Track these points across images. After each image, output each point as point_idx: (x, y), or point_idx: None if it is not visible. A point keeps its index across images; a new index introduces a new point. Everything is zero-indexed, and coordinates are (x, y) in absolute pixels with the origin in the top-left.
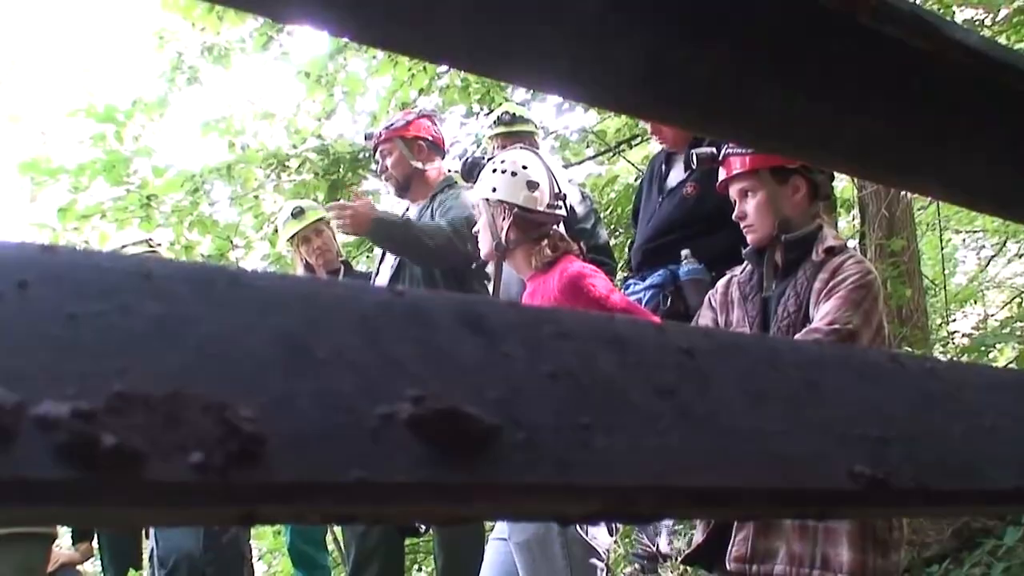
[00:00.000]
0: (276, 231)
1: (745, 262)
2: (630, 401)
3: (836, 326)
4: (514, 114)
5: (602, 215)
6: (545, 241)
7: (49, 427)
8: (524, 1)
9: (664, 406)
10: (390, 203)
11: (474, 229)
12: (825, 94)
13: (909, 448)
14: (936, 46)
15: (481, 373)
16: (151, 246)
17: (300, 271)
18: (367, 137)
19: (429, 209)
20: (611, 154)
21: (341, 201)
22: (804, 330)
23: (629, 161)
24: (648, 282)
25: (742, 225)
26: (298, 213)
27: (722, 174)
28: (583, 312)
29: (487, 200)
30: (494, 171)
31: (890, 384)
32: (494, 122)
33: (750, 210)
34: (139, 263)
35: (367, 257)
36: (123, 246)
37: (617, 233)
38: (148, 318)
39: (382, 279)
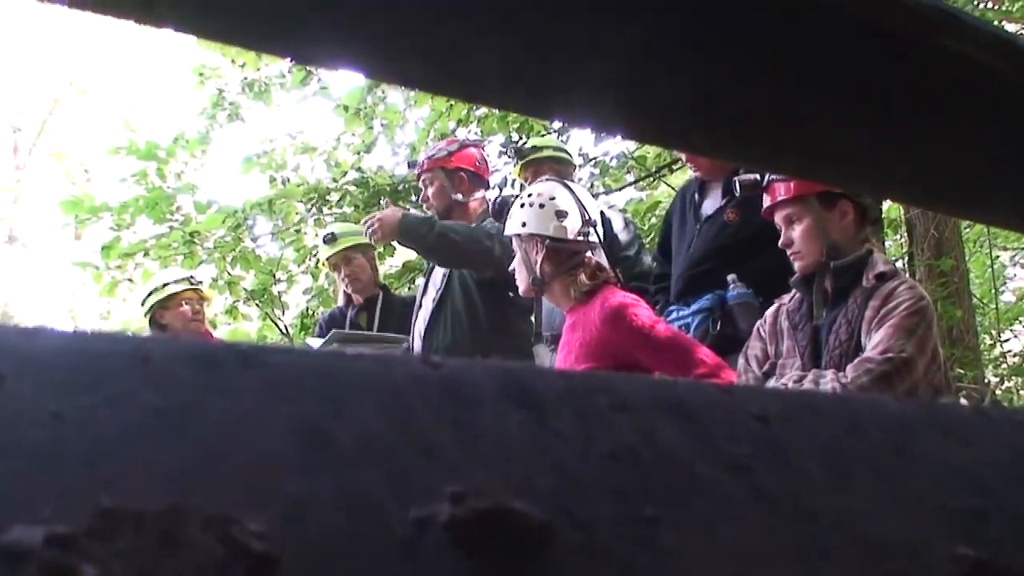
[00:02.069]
0: (318, 264)
1: (793, 290)
2: (700, 482)
3: (890, 355)
4: (534, 146)
5: (644, 241)
6: (581, 270)
7: (18, 559)
8: (564, 36)
9: (738, 486)
10: None
11: (510, 268)
12: (888, 123)
13: (1011, 519)
14: (1014, 67)
15: (529, 457)
16: (192, 284)
17: (340, 297)
18: (410, 165)
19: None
20: (651, 179)
21: (374, 215)
22: (857, 360)
23: (670, 186)
24: (695, 307)
25: (789, 253)
26: (329, 239)
27: (766, 201)
28: (640, 378)
29: (519, 236)
30: (522, 205)
31: (980, 442)
32: (516, 157)
33: (796, 237)
34: (136, 345)
35: (409, 288)
36: (165, 284)
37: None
38: (144, 412)
39: (424, 311)
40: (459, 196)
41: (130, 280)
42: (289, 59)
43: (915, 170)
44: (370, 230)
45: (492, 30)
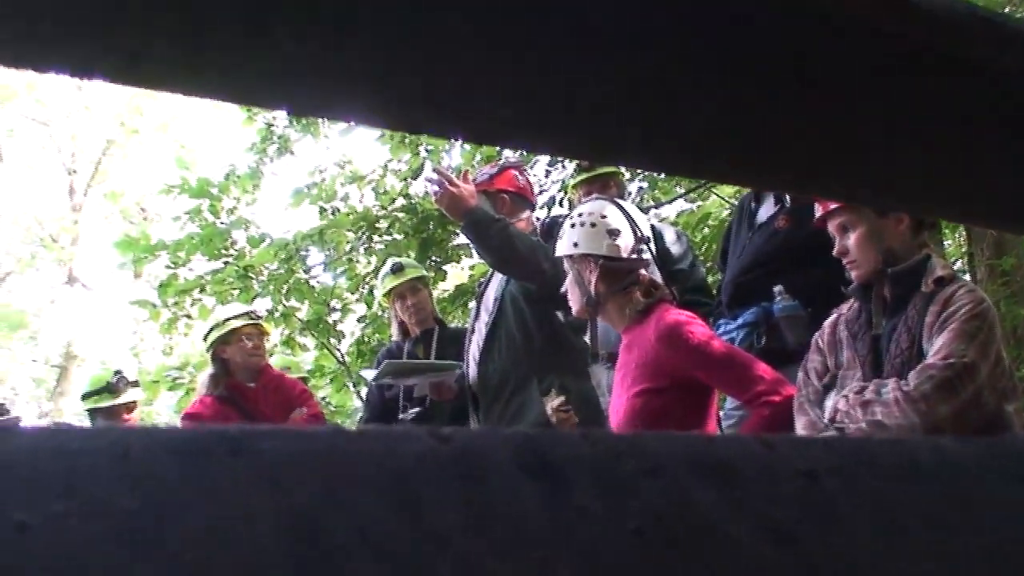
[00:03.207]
0: (371, 292)
1: (851, 299)
2: (741, 558)
3: (951, 360)
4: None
5: (696, 252)
6: (635, 289)
7: None
8: (573, 69)
9: (785, 559)
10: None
11: (561, 289)
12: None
13: None
14: None
15: (549, 540)
16: (252, 318)
17: (395, 328)
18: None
19: None
20: (701, 190)
21: (449, 175)
22: (918, 367)
23: (720, 196)
24: (740, 321)
25: (845, 261)
26: (398, 269)
27: (819, 209)
28: (671, 436)
29: (571, 257)
30: (573, 226)
31: None
32: (575, 170)
33: (852, 245)
34: (116, 439)
35: (462, 311)
36: (226, 319)
37: (714, 270)
38: (119, 517)
39: (478, 335)
40: (502, 218)
41: (188, 316)
42: (286, 111)
43: (960, 189)
44: (437, 189)
45: (497, 69)
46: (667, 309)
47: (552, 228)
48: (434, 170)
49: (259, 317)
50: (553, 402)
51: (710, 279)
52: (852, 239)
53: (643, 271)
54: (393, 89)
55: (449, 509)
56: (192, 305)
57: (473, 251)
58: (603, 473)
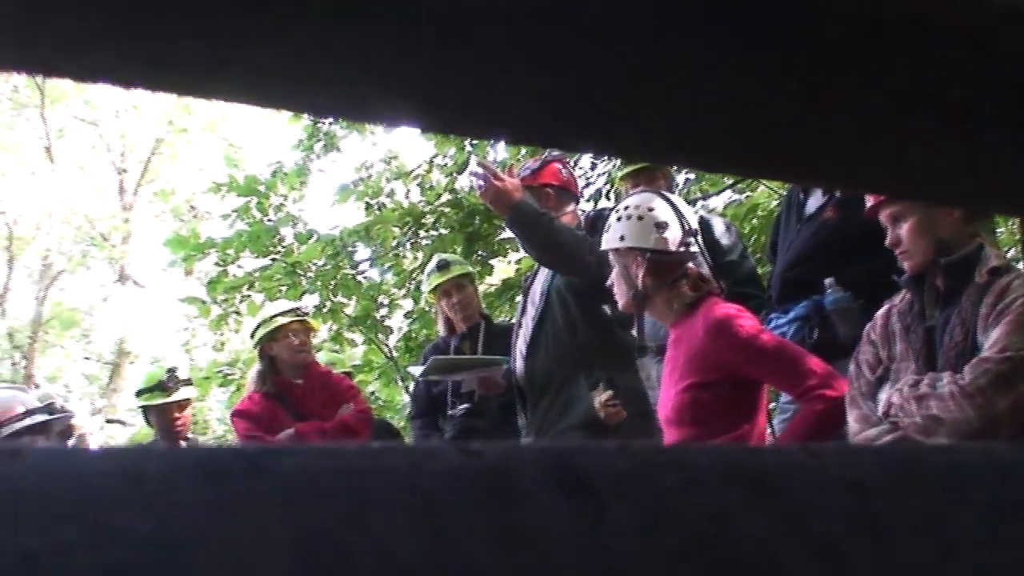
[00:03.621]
0: (418, 287)
1: (903, 290)
2: None
3: (1008, 353)
4: None
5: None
6: (684, 282)
7: None
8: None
9: None
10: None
11: (607, 283)
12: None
13: None
14: None
15: (583, 562)
16: (298, 315)
17: (441, 324)
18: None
19: None
20: (750, 180)
21: (493, 168)
22: (974, 361)
23: (769, 187)
24: (792, 315)
25: (897, 252)
26: (443, 266)
27: (869, 199)
28: (713, 448)
29: (617, 250)
30: (619, 219)
31: None
32: (622, 162)
33: (903, 236)
34: (132, 461)
35: (509, 306)
36: (272, 316)
37: (763, 262)
38: (132, 544)
39: (525, 330)
40: (546, 212)
41: (237, 313)
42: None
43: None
44: (481, 184)
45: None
46: (715, 302)
47: (596, 221)
48: (478, 164)
49: (305, 313)
50: (601, 396)
51: (759, 271)
52: (904, 229)
53: (691, 264)
54: (426, 90)
55: (477, 530)
56: (241, 302)
57: (519, 245)
58: (640, 489)
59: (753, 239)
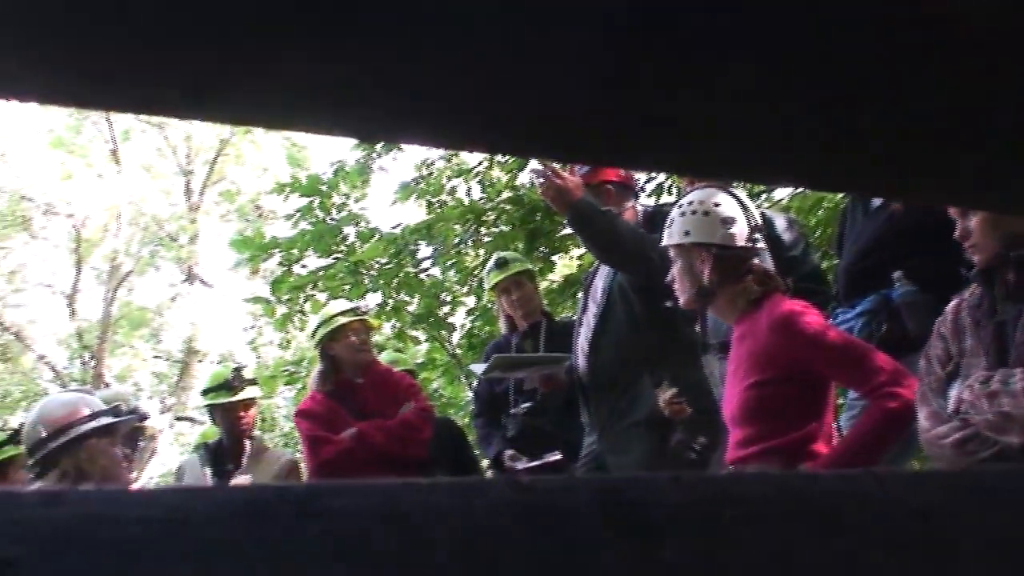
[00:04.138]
0: (481, 284)
1: (973, 284)
2: None
3: None
4: None
5: (811, 238)
6: (750, 278)
7: None
8: (667, 79)
9: None
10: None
11: (667, 279)
12: None
13: None
14: None
15: None
16: (358, 314)
17: (503, 322)
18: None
19: None
20: None
21: (555, 168)
22: None
23: None
24: (859, 309)
25: (966, 245)
26: (502, 264)
27: None
28: (771, 476)
29: (680, 246)
30: (682, 214)
31: None
32: None
33: (973, 228)
34: (177, 503)
35: (571, 302)
36: (332, 316)
37: (829, 256)
38: None
39: (586, 328)
40: (608, 209)
41: (301, 312)
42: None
43: None
44: (542, 181)
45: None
46: (780, 299)
47: (655, 217)
48: (539, 163)
49: (365, 312)
50: (665, 394)
51: (824, 265)
52: (973, 222)
53: (756, 260)
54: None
55: (528, 570)
56: (305, 301)
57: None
58: (696, 524)
59: (819, 232)
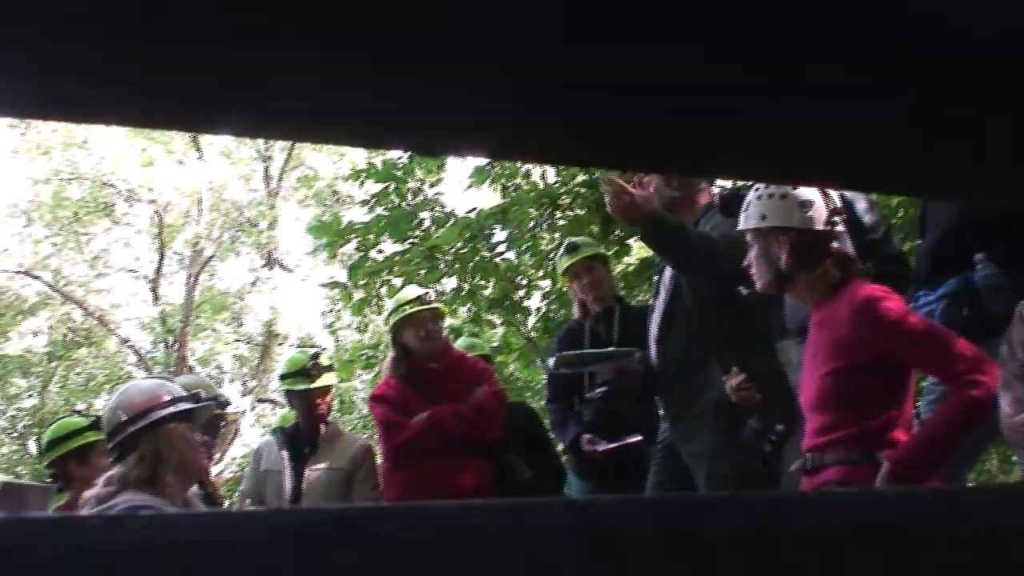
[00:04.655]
0: (556, 268)
1: None
2: None
3: None
4: None
5: (892, 220)
6: (829, 263)
7: None
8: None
9: None
10: None
11: (744, 263)
12: None
13: None
14: None
15: None
16: (424, 303)
17: (576, 307)
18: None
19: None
20: None
21: (622, 183)
22: None
23: None
24: (940, 292)
25: None
26: (572, 248)
27: None
28: (831, 496)
29: (758, 230)
30: (759, 198)
31: None
32: None
33: None
34: (228, 527)
35: (648, 286)
36: (401, 305)
37: (911, 238)
38: None
39: (657, 314)
40: (675, 193)
41: (377, 297)
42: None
43: None
44: (612, 197)
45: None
46: (861, 284)
47: (731, 201)
48: (606, 180)
49: (431, 300)
50: (733, 380)
51: (906, 247)
52: None
53: (836, 244)
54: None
55: None
56: (381, 286)
57: None
58: (755, 547)
59: (900, 213)
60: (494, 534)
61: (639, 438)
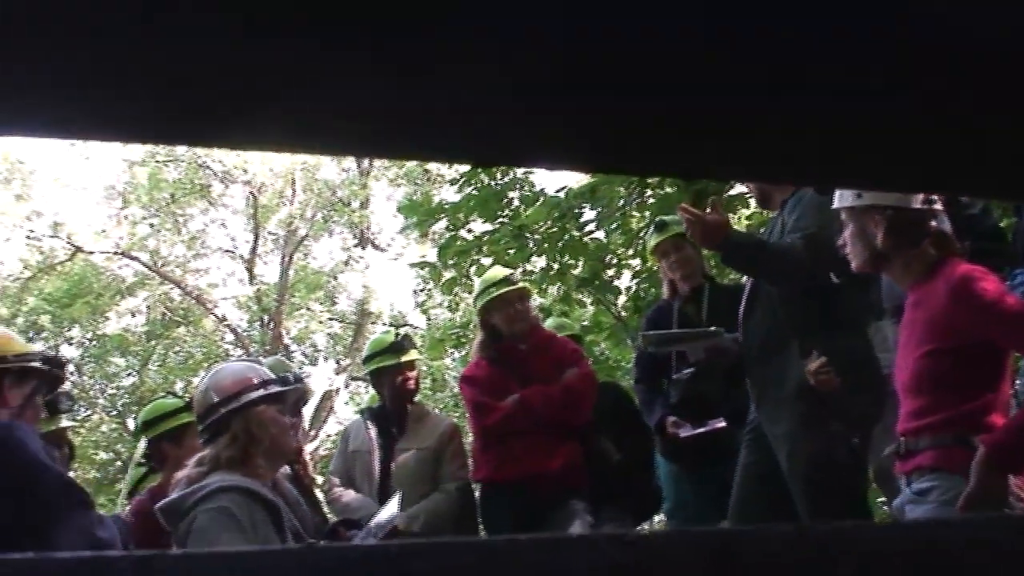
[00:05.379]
0: (645, 246)
1: None
2: None
3: None
4: None
5: None
6: (926, 242)
7: None
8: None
9: None
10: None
11: (839, 242)
12: None
13: None
14: None
15: None
16: (511, 283)
17: (665, 287)
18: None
19: (780, 218)
20: None
21: (695, 211)
22: None
23: None
24: None
25: None
26: (661, 226)
27: None
28: (896, 526)
29: (852, 209)
30: None
31: None
32: None
33: None
34: (267, 565)
35: None
36: (487, 287)
37: (1009, 213)
38: None
39: (745, 294)
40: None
41: (467, 277)
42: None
43: None
44: (688, 225)
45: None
46: (958, 263)
47: None
48: (680, 208)
49: (517, 281)
50: (813, 364)
51: (1003, 223)
52: None
53: (934, 222)
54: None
55: None
56: (470, 266)
57: (751, 201)
58: None
59: None
60: (537, 570)
61: (723, 424)
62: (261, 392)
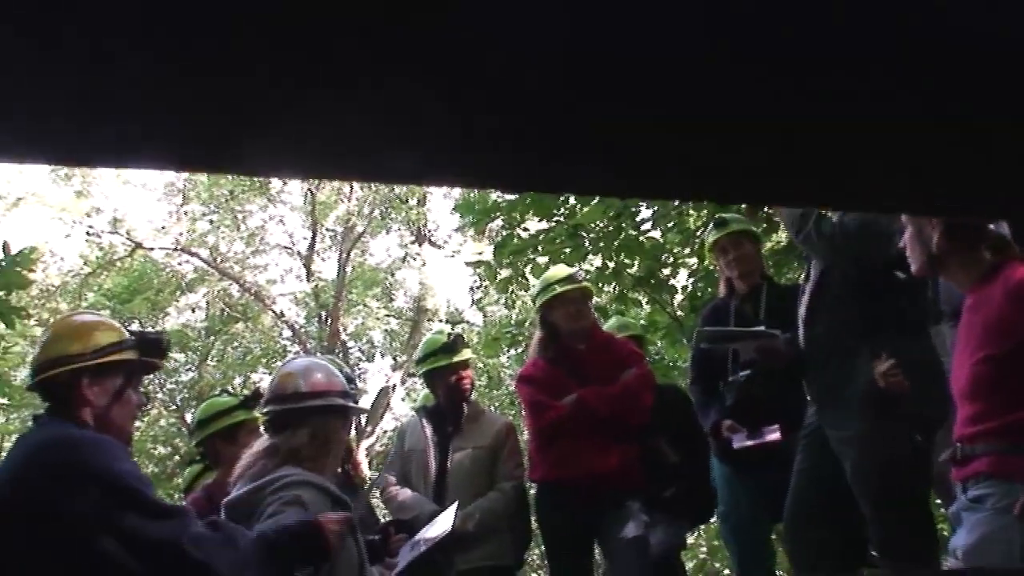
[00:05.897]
0: (702, 245)
1: None
2: None
3: None
4: None
5: None
6: (983, 245)
7: None
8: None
9: None
10: None
11: (900, 243)
12: None
13: None
14: None
15: None
16: (573, 282)
17: (722, 286)
18: None
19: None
20: None
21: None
22: None
23: None
24: None
25: None
26: (720, 223)
27: None
28: (987, 570)
29: None
30: None
31: None
32: None
33: None
34: None
35: (797, 264)
36: (548, 285)
37: None
38: None
39: (806, 296)
40: None
41: (522, 276)
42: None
43: None
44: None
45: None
46: (1017, 267)
47: None
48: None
49: (580, 280)
50: (883, 366)
51: None
52: None
53: (992, 225)
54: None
55: None
56: (525, 265)
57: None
58: None
59: None
60: None
61: (776, 436)
62: (342, 401)
